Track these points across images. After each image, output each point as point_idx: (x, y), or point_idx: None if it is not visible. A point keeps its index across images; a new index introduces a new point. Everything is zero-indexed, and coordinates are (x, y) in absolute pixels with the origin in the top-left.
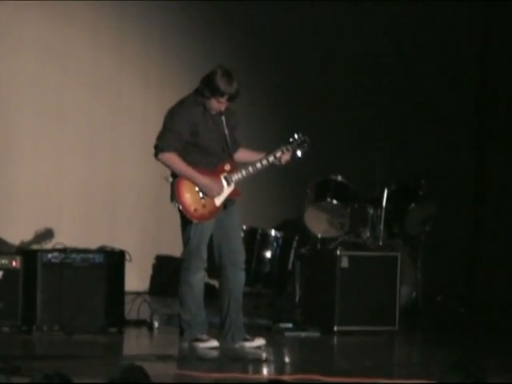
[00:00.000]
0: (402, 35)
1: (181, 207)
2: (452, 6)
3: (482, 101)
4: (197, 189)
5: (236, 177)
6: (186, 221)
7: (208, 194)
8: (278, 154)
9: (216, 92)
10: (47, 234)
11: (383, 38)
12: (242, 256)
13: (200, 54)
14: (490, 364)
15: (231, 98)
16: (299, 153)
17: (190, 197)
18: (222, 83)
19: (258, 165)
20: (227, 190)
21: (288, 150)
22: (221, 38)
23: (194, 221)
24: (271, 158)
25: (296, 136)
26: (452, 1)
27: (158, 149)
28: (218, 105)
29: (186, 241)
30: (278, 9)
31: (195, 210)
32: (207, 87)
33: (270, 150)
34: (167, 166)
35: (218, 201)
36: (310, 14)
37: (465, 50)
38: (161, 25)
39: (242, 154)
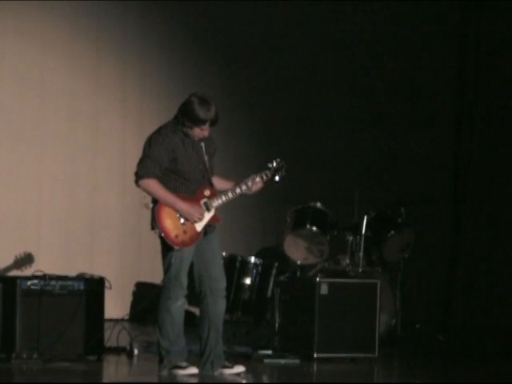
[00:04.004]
0: (381, 50)
1: (162, 234)
2: (429, 7)
3: (460, 128)
4: (178, 215)
5: (216, 202)
6: (166, 247)
7: (189, 219)
8: (257, 179)
9: (197, 121)
10: (26, 260)
11: (361, 56)
12: (222, 283)
13: (177, 81)
14: None
15: (213, 123)
16: (277, 178)
17: (170, 223)
18: (201, 112)
19: (238, 190)
20: (207, 216)
21: (267, 175)
22: (198, 63)
23: (176, 247)
24: (250, 183)
25: (274, 162)
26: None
27: (138, 176)
28: (201, 132)
29: (167, 268)
30: (255, 32)
31: (176, 236)
32: (187, 118)
33: (248, 176)
34: (148, 192)
35: (199, 226)
36: (287, 34)
37: (443, 61)
38: (138, 52)
39: (214, 182)
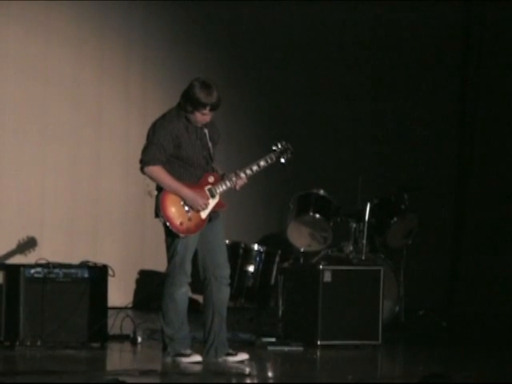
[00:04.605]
0: (382, 46)
1: (167, 223)
2: (431, 8)
3: (464, 113)
4: (182, 202)
5: (220, 188)
6: (171, 235)
7: (194, 207)
8: (262, 163)
9: (198, 105)
10: (29, 248)
11: (365, 50)
12: (226, 271)
13: (181, 68)
14: (472, 377)
15: (214, 108)
16: (282, 160)
17: (175, 210)
18: (201, 95)
19: (242, 175)
20: (212, 202)
21: (272, 158)
22: (201, 50)
23: (181, 235)
24: (255, 168)
25: (279, 144)
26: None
27: (143, 163)
28: (202, 117)
29: (171, 255)
30: (260, 20)
31: (181, 223)
32: (188, 102)
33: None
34: (153, 179)
35: (204, 213)
36: (293, 23)
37: (446, 58)
38: (141, 39)
39: None
